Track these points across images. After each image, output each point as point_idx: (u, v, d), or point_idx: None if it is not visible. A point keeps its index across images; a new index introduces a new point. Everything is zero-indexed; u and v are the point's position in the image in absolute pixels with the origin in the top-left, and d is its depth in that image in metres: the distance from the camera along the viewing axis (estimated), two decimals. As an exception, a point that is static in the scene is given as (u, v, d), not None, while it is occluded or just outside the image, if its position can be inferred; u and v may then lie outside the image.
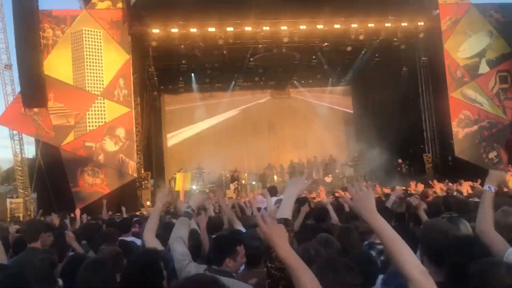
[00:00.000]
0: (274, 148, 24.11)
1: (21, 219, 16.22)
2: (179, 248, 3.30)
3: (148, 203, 16.24)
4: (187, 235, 3.43)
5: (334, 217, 5.60)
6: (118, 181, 15.15)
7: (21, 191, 18.29)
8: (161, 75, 19.73)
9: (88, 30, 15.31)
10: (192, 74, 21.74)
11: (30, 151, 18.32)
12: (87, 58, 15.23)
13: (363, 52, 20.22)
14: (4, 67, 18.67)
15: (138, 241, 4.96)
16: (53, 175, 14.65)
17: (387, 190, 10.60)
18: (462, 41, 17.19)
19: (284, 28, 17.43)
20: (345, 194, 9.59)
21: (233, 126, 24.02)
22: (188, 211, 3.55)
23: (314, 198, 10.14)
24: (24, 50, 14.20)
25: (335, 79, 24.38)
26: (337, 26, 17.67)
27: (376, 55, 20.95)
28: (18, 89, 15.47)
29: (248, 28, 17.32)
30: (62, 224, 6.63)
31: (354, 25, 17.64)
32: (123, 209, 9.82)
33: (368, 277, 2.78)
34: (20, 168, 18.38)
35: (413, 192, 8.75)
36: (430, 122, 18.89)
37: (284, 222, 2.30)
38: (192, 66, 20.35)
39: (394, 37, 18.32)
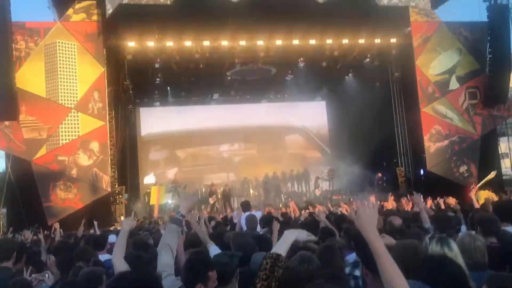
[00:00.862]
0: (249, 162, 24.11)
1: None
2: (164, 258, 3.27)
3: (122, 217, 15.99)
4: (175, 243, 3.37)
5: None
6: (91, 195, 14.86)
7: (-10, 206, 17.72)
8: (136, 89, 19.63)
9: (62, 43, 15.11)
10: (168, 88, 21.68)
11: (-1, 165, 17.85)
12: (60, 71, 15.00)
13: (337, 67, 20.59)
14: (-26, 79, 18.21)
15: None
16: (23, 190, 14.25)
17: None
18: (433, 58, 17.67)
19: (260, 43, 17.62)
20: (318, 209, 9.63)
21: (209, 140, 24.01)
22: (177, 218, 3.47)
23: (286, 212, 10.16)
24: (-5, 62, 13.89)
25: (310, 94, 24.73)
26: (312, 41, 17.98)
27: (351, 70, 21.36)
28: (-12, 101, 15.04)
29: (225, 43, 17.45)
30: (36, 240, 6.46)
31: (328, 41, 18.00)
32: (95, 223, 9.66)
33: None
34: (-12, 183, 17.82)
35: (387, 207, 8.86)
36: (403, 137, 19.27)
37: (276, 257, 2.31)
38: (168, 79, 20.30)
39: (367, 53, 18.76)
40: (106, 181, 15.18)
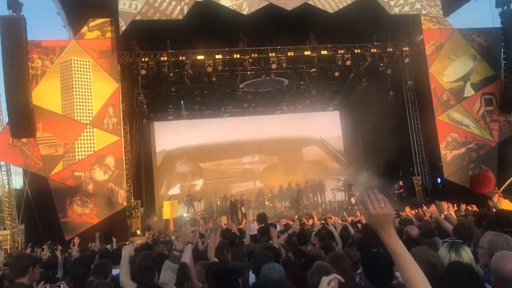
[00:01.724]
0: (264, 174, 24.07)
1: (9, 251, 15.89)
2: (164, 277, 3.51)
3: (138, 232, 16.06)
4: (173, 278, 3.55)
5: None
6: (107, 210, 14.98)
7: (9, 222, 17.98)
8: (150, 103, 19.78)
9: (77, 60, 15.38)
10: (182, 102, 21.83)
11: (17, 181, 18.10)
12: (76, 88, 15.26)
13: (350, 77, 20.52)
14: (-8, 98, 18.59)
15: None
16: (41, 206, 14.44)
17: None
18: (446, 65, 17.53)
19: (272, 54, 17.67)
20: (333, 219, 9.55)
21: (223, 152, 24.06)
22: (174, 255, 3.63)
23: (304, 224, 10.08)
24: (12, 80, 14.16)
25: (323, 104, 24.66)
26: (324, 52, 17.99)
27: (363, 79, 21.25)
28: (6, 119, 15.37)
29: (237, 55, 17.55)
30: (53, 256, 6.51)
31: (340, 51, 17.97)
32: (114, 239, 9.67)
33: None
34: (7, 199, 18.09)
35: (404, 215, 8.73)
36: (418, 145, 19.05)
37: None
38: (181, 93, 20.46)
39: (380, 62, 18.66)
40: (122, 195, 15.28)
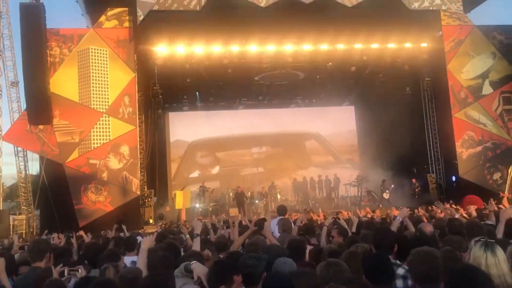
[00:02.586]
0: (278, 167, 24.08)
1: (24, 236, 16.18)
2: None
3: (151, 221, 16.22)
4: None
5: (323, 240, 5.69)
6: (121, 198, 15.14)
7: (24, 208, 18.27)
8: (166, 93, 19.88)
9: (94, 49, 15.50)
10: (197, 93, 21.89)
11: (34, 168, 18.38)
12: (93, 76, 15.39)
13: (366, 72, 20.36)
14: (11, 85, 18.86)
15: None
16: (56, 192, 14.67)
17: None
18: (465, 62, 17.28)
19: (288, 48, 17.60)
20: (348, 214, 9.52)
21: (237, 144, 24.14)
22: (188, 267, 3.43)
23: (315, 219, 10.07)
24: (30, 67, 14.35)
25: (338, 98, 24.53)
26: (340, 46, 17.85)
27: (380, 75, 21.06)
28: (24, 106, 15.56)
29: (253, 48, 17.52)
30: (68, 243, 6.63)
31: (357, 46, 17.82)
32: (124, 227, 9.79)
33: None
34: (23, 185, 18.39)
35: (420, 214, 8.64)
36: (434, 142, 18.88)
37: None
38: (197, 84, 20.49)
39: (397, 57, 18.48)
40: (135, 184, 15.42)
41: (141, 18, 14.76)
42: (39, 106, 14.63)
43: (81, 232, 8.19)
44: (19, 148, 17.83)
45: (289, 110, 24.78)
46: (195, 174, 23.74)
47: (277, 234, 6.30)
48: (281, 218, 7.06)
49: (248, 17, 15.75)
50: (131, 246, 5.74)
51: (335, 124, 24.60)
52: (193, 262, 3.38)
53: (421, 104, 19.22)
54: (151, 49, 16.88)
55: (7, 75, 18.91)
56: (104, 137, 15.32)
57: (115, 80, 15.64)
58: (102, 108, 15.40)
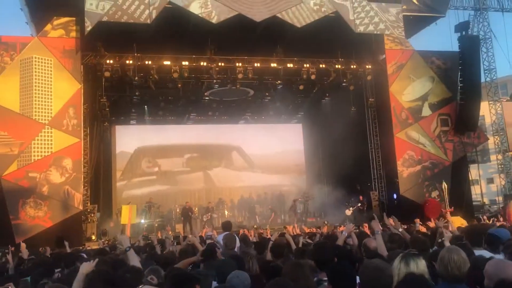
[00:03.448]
0: (225, 183, 24.04)
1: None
2: None
3: (93, 237, 15.67)
4: None
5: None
6: (62, 214, 14.51)
7: (-45, 223, 17.12)
8: (113, 106, 19.47)
9: (38, 58, 14.95)
10: (145, 106, 21.58)
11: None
12: (36, 86, 14.80)
13: (314, 91, 20.90)
14: None
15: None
16: (-9, 207, 13.87)
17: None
18: (406, 85, 18.13)
19: (238, 64, 17.79)
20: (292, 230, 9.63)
21: (184, 159, 23.93)
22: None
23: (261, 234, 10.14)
24: (-32, 75, 13.63)
25: (287, 116, 24.99)
26: (290, 65, 18.28)
27: (327, 94, 21.73)
28: (-42, 115, 14.69)
29: (204, 63, 17.56)
30: (3, 260, 6.29)
31: (306, 65, 18.30)
32: (66, 243, 9.40)
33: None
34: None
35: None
36: (377, 161, 19.55)
37: None
38: (145, 98, 20.24)
39: (343, 78, 19.17)
40: (78, 199, 14.86)
41: (89, 28, 14.42)
42: (-24, 116, 13.89)
43: (23, 245, 7.74)
44: (-48, 160, 16.76)
45: (238, 126, 24.92)
46: (139, 189, 23.10)
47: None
48: (226, 234, 7.07)
49: (199, 32, 15.81)
50: (71, 263, 5.55)
51: (283, 140, 24.95)
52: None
53: (365, 124, 19.90)
54: (99, 60, 16.52)
55: None
56: (46, 149, 14.71)
57: (59, 91, 15.11)
58: (45, 120, 14.81)
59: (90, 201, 16.56)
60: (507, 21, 33.30)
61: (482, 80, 21.86)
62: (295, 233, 8.68)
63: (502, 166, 26.33)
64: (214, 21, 15.27)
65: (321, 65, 18.56)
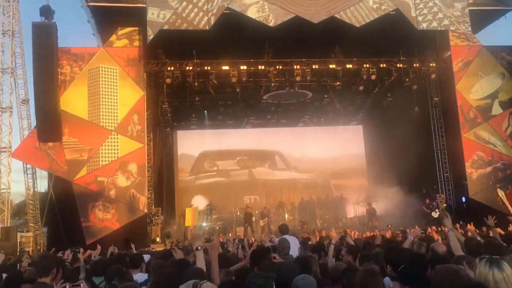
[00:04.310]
0: (285, 186, 23.98)
1: (31, 253, 16.12)
2: None
3: (158, 239, 16.12)
4: None
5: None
6: (128, 216, 15.09)
7: (32, 225, 18.31)
8: (174, 112, 19.98)
9: (105, 67, 15.67)
10: (205, 111, 21.99)
11: (42, 185, 18.46)
12: (102, 94, 15.53)
13: (375, 91, 20.35)
14: (22, 102, 19.09)
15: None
16: (64, 210, 14.65)
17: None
18: (474, 82, 17.23)
19: (296, 67, 17.69)
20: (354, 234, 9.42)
21: (244, 163, 24.14)
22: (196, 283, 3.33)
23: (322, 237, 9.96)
24: (41, 85, 14.46)
25: (346, 118, 24.51)
26: (349, 65, 17.92)
27: (388, 94, 21.06)
28: (34, 124, 15.72)
29: (261, 67, 17.63)
30: (75, 258, 6.57)
31: (366, 65, 17.87)
32: (133, 245, 9.71)
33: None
34: (31, 202, 18.46)
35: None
36: (443, 163, 18.69)
37: None
38: (205, 103, 20.62)
39: (406, 77, 18.49)
40: (143, 202, 15.39)
41: (151, 37, 14.92)
42: (49, 124, 14.73)
43: (99, 247, 8.12)
44: (28, 166, 17.97)
45: (296, 129, 24.80)
46: (204, 180, 23.92)
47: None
48: (280, 238, 6.96)
49: (256, 36, 15.88)
50: (137, 263, 5.68)
51: (343, 143, 24.52)
52: (203, 282, 3.29)
53: (430, 124, 19.10)
54: (161, 68, 17.06)
55: (18, 93, 19.18)
56: (113, 154, 15.37)
57: (124, 98, 15.76)
58: (111, 126, 15.49)
59: (154, 204, 17.06)
60: None
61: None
62: (355, 237, 8.48)
63: None
64: (271, 24, 15.28)
65: (381, 65, 18.06)
